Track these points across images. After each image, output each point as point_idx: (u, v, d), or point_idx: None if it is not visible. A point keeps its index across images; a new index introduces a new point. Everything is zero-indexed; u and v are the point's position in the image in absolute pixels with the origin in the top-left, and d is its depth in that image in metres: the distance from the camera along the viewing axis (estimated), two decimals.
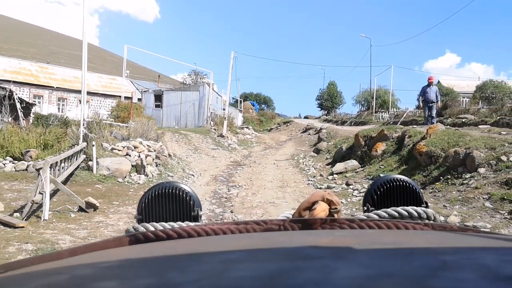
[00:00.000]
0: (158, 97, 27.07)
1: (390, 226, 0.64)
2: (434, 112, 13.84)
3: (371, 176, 9.14)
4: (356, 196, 7.68)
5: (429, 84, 13.68)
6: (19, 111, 14.13)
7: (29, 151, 8.48)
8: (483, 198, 5.77)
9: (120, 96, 29.88)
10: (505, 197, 5.47)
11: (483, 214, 5.32)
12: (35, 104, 19.35)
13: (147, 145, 10.14)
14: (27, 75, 30.74)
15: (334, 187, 8.89)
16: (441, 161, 7.47)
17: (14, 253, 4.23)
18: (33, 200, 5.61)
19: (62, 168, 7.33)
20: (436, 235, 0.64)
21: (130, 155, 9.20)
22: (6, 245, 4.48)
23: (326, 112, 44.28)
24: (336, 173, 10.48)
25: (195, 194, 0.89)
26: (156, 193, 0.86)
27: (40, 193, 5.79)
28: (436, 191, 6.88)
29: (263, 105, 51.86)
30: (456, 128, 11.25)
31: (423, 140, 8.26)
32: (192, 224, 0.80)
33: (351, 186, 8.62)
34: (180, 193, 0.87)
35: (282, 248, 0.50)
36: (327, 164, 12.43)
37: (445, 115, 18.84)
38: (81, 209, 6.22)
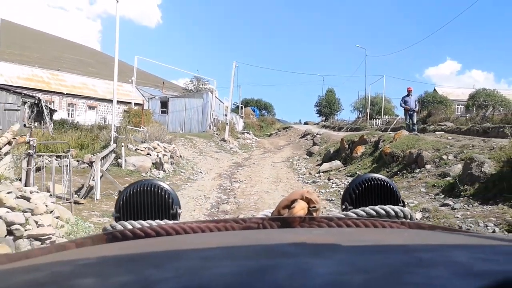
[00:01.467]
0: (164, 104, 29.30)
1: (368, 224, 0.66)
2: (415, 120, 15.98)
3: (350, 174, 11.28)
4: (334, 188, 9.84)
5: (409, 93, 15.83)
6: (46, 117, 16.32)
7: (69, 150, 10.66)
8: (422, 185, 7.93)
9: (126, 102, 32.26)
10: (435, 184, 7.64)
11: (417, 196, 7.48)
12: (56, 110, 21.52)
13: (164, 147, 12.34)
14: (39, 81, 33.01)
15: (318, 181, 11.07)
16: (400, 159, 9.65)
17: (92, 216, 6.41)
18: (89, 185, 7.78)
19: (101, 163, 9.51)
20: (412, 233, 0.67)
21: (150, 155, 11.39)
22: (81, 212, 6.65)
23: (324, 118, 46.57)
24: (323, 172, 12.63)
25: (174, 192, 0.91)
26: (135, 190, 0.87)
27: (92, 180, 7.96)
28: (396, 183, 9.02)
29: (263, 111, 54.08)
30: (416, 134, 13.41)
31: (388, 144, 10.44)
32: (170, 222, 0.81)
33: (331, 181, 10.79)
34: (159, 191, 0.87)
35: (261, 246, 0.50)
36: (317, 165, 14.59)
37: (429, 122, 21.03)
38: (120, 193, 8.38)
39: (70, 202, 6.28)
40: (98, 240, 0.66)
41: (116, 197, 8.09)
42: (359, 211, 0.84)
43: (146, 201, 0.86)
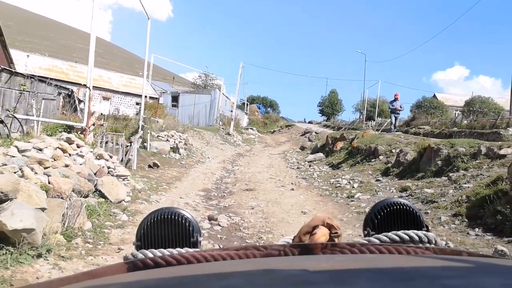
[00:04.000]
0: (175, 98, 32.66)
1: (391, 250, 0.67)
2: (397, 123, 19.17)
3: (328, 163, 14.51)
4: (310, 172, 13.08)
5: (395, 99, 19.05)
6: (78, 107, 19.70)
7: (107, 135, 14.03)
8: (370, 170, 11.17)
9: (138, 95, 35.72)
10: (379, 169, 10.88)
11: (364, 176, 10.70)
12: (83, 101, 24.97)
13: (179, 135, 15.67)
14: (59, 72, 36.44)
15: (301, 168, 14.33)
16: (363, 152, 12.89)
17: (135, 177, 9.71)
18: (128, 158, 11.09)
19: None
20: (437, 259, 0.67)
21: (169, 141, 14.72)
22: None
23: (326, 118, 49.77)
24: (308, 161, 15.87)
25: (194, 220, 0.93)
26: (156, 219, 0.90)
27: (130, 157, 11.27)
28: (356, 168, 12.26)
29: (268, 108, 57.30)
30: (380, 133, 16.60)
31: (356, 140, 13.69)
32: (191, 250, 0.84)
33: (311, 167, 14.06)
34: (179, 219, 0.90)
35: (282, 274, 0.50)
36: (306, 157, 17.85)
37: (411, 125, 24.20)
38: (149, 166, 11.68)
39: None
40: (119, 269, 0.68)
41: (146, 169, 11.42)
42: (382, 236, 0.84)
43: (167, 229, 0.89)
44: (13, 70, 20.05)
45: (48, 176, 4.80)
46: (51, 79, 22.33)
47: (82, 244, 4.43)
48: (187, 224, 0.90)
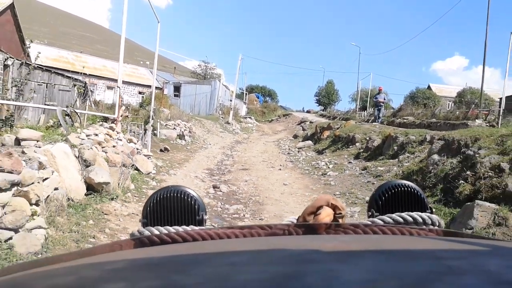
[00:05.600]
0: (177, 88, 35.04)
1: (395, 231, 0.68)
2: (380, 114, 21.59)
3: (315, 149, 16.96)
4: (298, 156, 15.56)
5: (379, 92, 21.45)
6: (90, 97, 22.13)
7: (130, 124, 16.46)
8: (346, 154, 13.64)
9: (141, 85, 38.14)
10: (353, 153, 13.36)
11: (340, 159, 13.18)
12: (93, 92, 27.32)
13: (184, 124, 18.12)
14: (65, 62, 38.75)
15: (291, 153, 16.82)
16: (343, 139, 15.35)
17: (155, 159, 12.20)
18: (144, 143, 13.53)
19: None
20: (440, 240, 0.68)
21: (175, 129, 17.17)
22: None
23: (323, 107, 52.20)
24: (298, 148, 18.34)
25: (200, 198, 0.96)
26: (162, 196, 0.93)
27: (145, 142, 13.71)
28: (336, 154, 14.73)
29: (267, 98, 59.64)
30: (378, 122, 19.06)
31: (338, 129, 16.15)
32: (196, 228, 0.86)
33: (299, 153, 16.55)
34: (185, 197, 0.93)
35: (287, 252, 0.51)
36: (296, 144, 20.32)
37: (397, 116, 26.61)
38: (161, 150, 14.13)
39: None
40: (126, 245, 0.70)
41: (159, 153, 13.88)
42: (385, 217, 0.86)
43: (172, 207, 0.92)
44: (33, 64, 22.45)
45: (106, 152, 7.25)
46: (53, 68, 24.72)
47: (132, 196, 6.93)
48: (192, 202, 0.94)
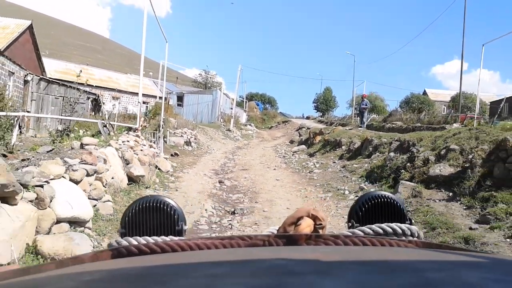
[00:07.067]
0: (180, 98, 37.58)
1: (375, 242, 0.70)
2: (365, 119, 24.00)
3: (308, 153, 19.36)
4: (292, 159, 17.96)
5: (363, 99, 23.91)
6: (102, 108, 24.63)
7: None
8: (333, 156, 16.06)
9: (145, 95, 40.59)
10: (338, 155, 15.77)
11: (327, 160, 15.58)
12: (104, 103, 29.85)
13: (190, 132, 20.59)
14: (72, 75, 41.30)
15: (286, 156, 19.24)
16: (331, 143, 17.78)
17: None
18: (158, 152, 15.97)
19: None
20: (419, 252, 0.70)
21: (183, 136, 19.63)
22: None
23: (321, 114, 54.76)
24: (293, 152, 20.75)
25: (179, 208, 0.97)
26: (140, 206, 0.93)
27: (158, 146, 16.13)
28: (324, 156, 17.14)
29: (267, 105, 62.16)
30: (363, 128, 21.50)
31: (328, 134, 18.60)
32: (176, 238, 0.85)
33: (294, 156, 18.98)
34: (165, 207, 0.94)
35: (267, 264, 0.52)
36: (292, 149, 22.74)
37: (388, 121, 29.05)
38: (171, 155, 16.54)
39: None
40: (103, 256, 0.69)
41: (169, 157, 16.32)
42: (365, 228, 0.87)
43: (151, 217, 0.92)
44: (51, 79, 24.98)
45: (137, 154, 9.68)
46: (61, 80, 27.26)
47: (158, 187, 9.36)
48: (172, 212, 0.94)
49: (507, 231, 5.34)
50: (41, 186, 4.89)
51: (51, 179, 5.22)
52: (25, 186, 4.58)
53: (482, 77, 19.38)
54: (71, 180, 5.74)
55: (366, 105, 23.74)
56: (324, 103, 55.25)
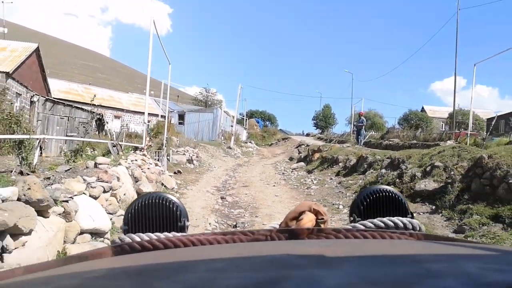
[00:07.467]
0: (181, 116, 38.48)
1: (376, 236, 0.71)
2: (361, 137, 24.81)
3: (307, 170, 20.08)
4: (291, 175, 18.68)
5: (360, 116, 24.76)
6: (106, 127, 25.44)
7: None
8: (330, 173, 16.79)
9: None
10: (335, 172, 16.50)
11: (324, 177, 16.30)
12: (107, 122, 30.69)
13: (192, 150, 21.36)
14: (75, 94, 42.35)
15: (285, 173, 19.95)
16: (329, 160, 18.52)
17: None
18: (163, 170, 16.70)
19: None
20: (420, 244, 0.70)
21: (185, 154, 20.39)
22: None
23: (321, 131, 55.65)
24: (292, 169, 21.47)
25: (182, 205, 0.98)
26: (143, 203, 0.95)
27: (162, 164, 16.87)
28: (322, 172, 17.86)
29: (267, 122, 63.08)
30: (361, 146, 22.25)
31: (325, 151, 19.36)
32: (178, 234, 0.88)
33: (293, 172, 19.70)
34: (167, 204, 0.95)
35: (269, 258, 0.53)
36: (291, 166, 23.46)
37: (385, 138, 29.84)
38: (174, 173, 17.26)
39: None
40: (107, 253, 0.71)
41: (173, 175, 17.04)
42: (367, 222, 0.88)
43: (154, 214, 0.93)
44: (55, 99, 25.86)
45: (144, 172, 10.42)
46: (65, 100, 28.10)
47: None
48: (174, 208, 0.96)
49: (479, 239, 6.05)
50: (67, 201, 5.63)
51: (75, 195, 5.96)
52: (55, 201, 5.32)
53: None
54: (90, 196, 6.47)
55: (362, 122, 24.54)
56: (323, 120, 56.25)
